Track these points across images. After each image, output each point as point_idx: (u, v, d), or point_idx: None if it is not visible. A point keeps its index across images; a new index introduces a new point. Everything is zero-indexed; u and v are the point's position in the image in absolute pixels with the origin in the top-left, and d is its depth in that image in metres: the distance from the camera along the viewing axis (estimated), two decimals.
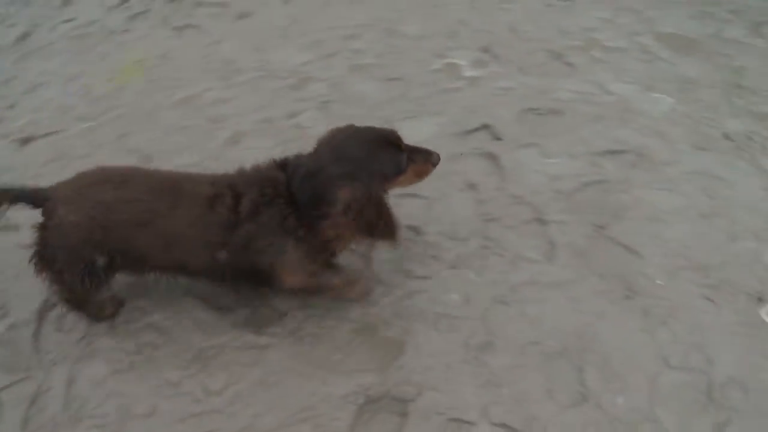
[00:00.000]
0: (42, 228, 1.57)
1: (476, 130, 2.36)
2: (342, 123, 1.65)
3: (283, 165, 1.57)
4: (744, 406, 1.59)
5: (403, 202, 1.98)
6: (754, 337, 1.71)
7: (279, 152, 1.69)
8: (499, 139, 2.33)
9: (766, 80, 2.64)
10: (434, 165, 1.65)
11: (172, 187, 1.55)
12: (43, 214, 1.57)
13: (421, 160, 1.62)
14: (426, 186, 1.80)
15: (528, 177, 2.17)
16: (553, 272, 1.87)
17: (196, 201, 1.51)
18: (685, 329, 1.73)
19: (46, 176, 2.16)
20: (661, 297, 1.81)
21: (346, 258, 1.82)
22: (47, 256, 1.58)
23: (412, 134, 1.75)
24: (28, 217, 1.67)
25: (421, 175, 1.65)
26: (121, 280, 1.78)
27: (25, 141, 2.59)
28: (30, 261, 1.63)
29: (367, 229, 1.53)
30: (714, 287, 1.82)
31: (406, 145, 1.61)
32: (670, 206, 2.04)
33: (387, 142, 1.56)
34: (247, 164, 1.62)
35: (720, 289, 1.81)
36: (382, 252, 1.90)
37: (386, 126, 1.65)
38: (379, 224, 1.52)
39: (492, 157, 2.25)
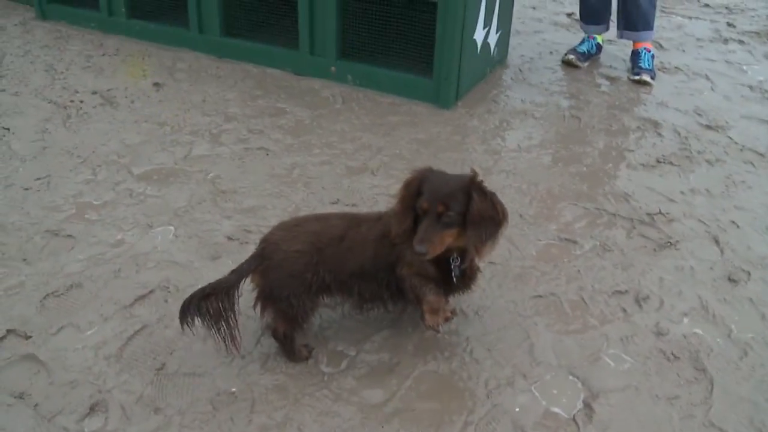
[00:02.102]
0: (264, 270, 2.09)
1: (2, 339, 2.35)
2: None
3: None
4: None
5: None
6: None
7: None
8: (29, 337, 2.37)
9: (238, 181, 3.25)
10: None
11: (352, 218, 2.22)
12: (263, 257, 2.10)
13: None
14: None
15: (73, 358, 2.28)
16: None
17: (372, 223, 2.15)
18: None
19: None
20: None
21: None
22: (271, 292, 2.10)
23: None
24: None
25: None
26: None
27: None
28: (254, 306, 2.18)
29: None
30: None
31: None
32: None
33: None
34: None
35: None
36: None
37: None
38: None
39: (31, 359, 2.28)
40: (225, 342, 2.14)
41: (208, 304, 2.08)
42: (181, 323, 2.09)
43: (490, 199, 2.04)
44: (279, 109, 4.03)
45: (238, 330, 2.16)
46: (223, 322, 2.11)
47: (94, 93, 4.19)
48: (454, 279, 2.14)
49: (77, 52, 4.85)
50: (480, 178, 2.07)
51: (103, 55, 4.81)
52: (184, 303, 2.10)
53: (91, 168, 3.38)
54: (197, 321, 2.10)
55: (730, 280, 2.73)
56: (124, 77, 4.02)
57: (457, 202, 2.00)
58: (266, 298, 2.18)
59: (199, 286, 2.13)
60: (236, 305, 2.14)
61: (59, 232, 2.93)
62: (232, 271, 2.16)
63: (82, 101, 4.08)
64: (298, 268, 2.12)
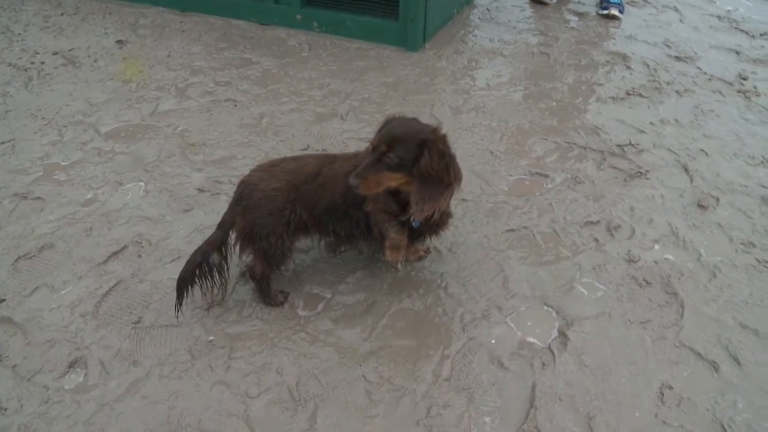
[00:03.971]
0: (243, 210, 2.12)
1: None
2: None
3: None
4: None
5: None
6: None
7: None
8: (2, 300, 2.34)
9: (207, 133, 3.19)
10: None
11: (326, 156, 2.23)
12: (241, 198, 2.13)
13: None
14: None
15: (49, 318, 2.26)
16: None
17: (345, 160, 2.13)
18: None
19: None
20: None
21: None
22: (252, 231, 2.12)
23: None
24: None
25: None
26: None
27: None
28: (234, 245, 2.17)
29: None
30: None
31: None
32: None
33: None
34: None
35: None
36: None
37: None
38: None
39: (6, 321, 2.25)
40: (217, 291, 2.19)
41: (203, 270, 2.12)
42: (179, 299, 2.13)
43: (445, 159, 1.93)
44: (245, 59, 3.95)
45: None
46: (217, 276, 2.16)
47: (55, 54, 4.08)
48: (413, 224, 2.11)
49: (34, 12, 4.70)
50: (441, 134, 1.97)
51: (62, 14, 4.67)
52: (180, 279, 2.12)
53: (56, 129, 3.31)
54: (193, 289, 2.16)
55: (699, 206, 2.75)
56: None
57: (404, 148, 1.92)
58: (246, 237, 2.17)
59: (191, 252, 2.17)
60: (229, 258, 2.18)
61: (27, 194, 2.87)
62: (218, 226, 2.18)
63: (43, 62, 3.97)
64: (277, 205, 2.13)
